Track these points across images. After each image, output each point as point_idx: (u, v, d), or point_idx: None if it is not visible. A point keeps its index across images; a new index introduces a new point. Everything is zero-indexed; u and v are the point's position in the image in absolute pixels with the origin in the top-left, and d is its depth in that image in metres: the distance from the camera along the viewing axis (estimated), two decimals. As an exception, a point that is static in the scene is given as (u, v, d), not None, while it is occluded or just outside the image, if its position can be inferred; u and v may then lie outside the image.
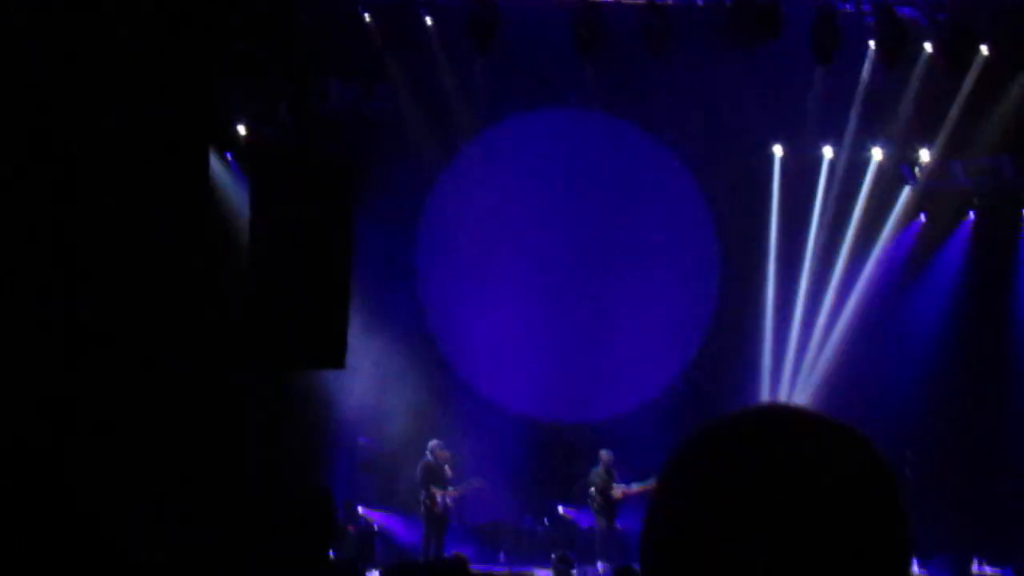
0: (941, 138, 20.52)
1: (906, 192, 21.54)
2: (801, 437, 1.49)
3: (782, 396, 20.69)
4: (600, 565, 18.84)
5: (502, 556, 20.03)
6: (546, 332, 21.73)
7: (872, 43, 18.86)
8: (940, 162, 21.00)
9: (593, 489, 19.45)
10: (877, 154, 21.04)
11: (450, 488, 18.80)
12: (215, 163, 16.51)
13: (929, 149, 20.78)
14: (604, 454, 19.74)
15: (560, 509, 20.59)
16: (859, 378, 21.09)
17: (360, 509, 19.49)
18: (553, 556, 18.80)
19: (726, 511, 1.45)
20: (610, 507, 19.32)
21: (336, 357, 12.52)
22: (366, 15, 18.62)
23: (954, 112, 19.92)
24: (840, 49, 18.36)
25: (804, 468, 1.46)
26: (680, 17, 18.56)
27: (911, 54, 18.89)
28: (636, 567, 1.57)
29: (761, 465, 1.46)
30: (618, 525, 19.47)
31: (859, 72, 19.45)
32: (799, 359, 21.53)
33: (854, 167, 21.10)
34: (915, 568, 18.61)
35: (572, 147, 21.93)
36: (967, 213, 21.84)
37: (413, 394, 21.05)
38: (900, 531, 1.48)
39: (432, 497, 18.54)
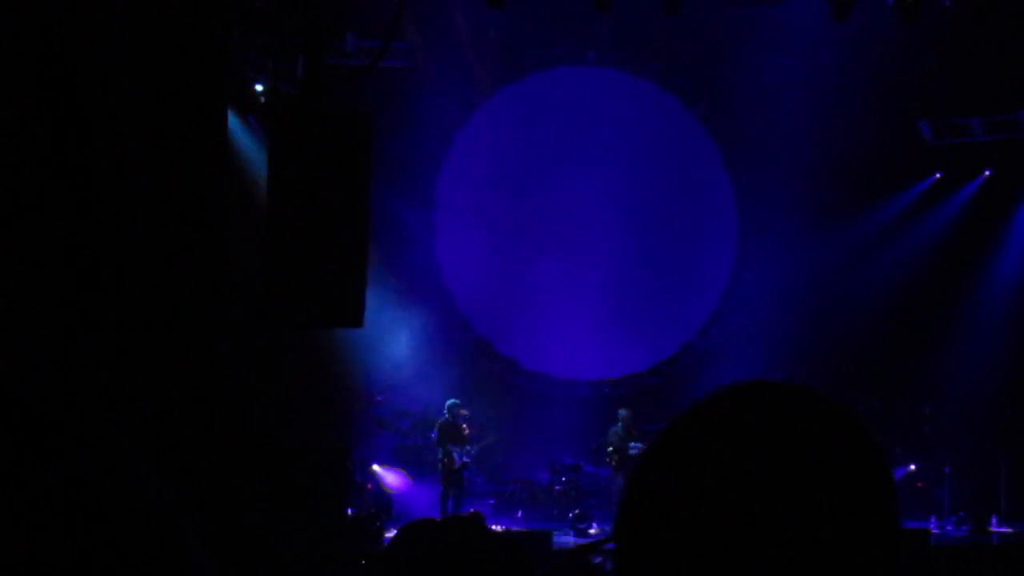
0: (960, 93, 20.43)
1: (924, 148, 21.48)
2: (784, 410, 1.49)
3: (800, 353, 20.60)
4: (618, 523, 18.88)
5: (520, 514, 20.10)
6: (562, 289, 21.74)
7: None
8: (959, 117, 20.93)
9: (611, 447, 19.49)
10: (897, 109, 20.96)
11: (467, 446, 18.85)
12: (234, 123, 16.49)
13: (948, 104, 20.70)
14: (622, 412, 19.77)
15: (579, 466, 20.64)
16: (876, 335, 21.08)
17: (377, 467, 19.55)
18: (571, 514, 18.86)
19: (707, 490, 1.45)
20: (628, 465, 19.35)
21: (354, 315, 12.54)
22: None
23: (973, 67, 19.82)
24: (858, 4, 18.24)
25: (786, 441, 1.46)
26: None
27: (930, 8, 18.73)
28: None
29: (741, 441, 1.46)
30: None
31: (877, 27, 19.31)
32: (815, 318, 21.44)
33: (873, 124, 20.99)
34: (932, 526, 18.66)
35: (589, 104, 21.89)
36: (983, 169, 21.77)
37: (430, 351, 21.08)
38: (887, 502, 1.47)
39: (450, 455, 18.59)
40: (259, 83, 17.71)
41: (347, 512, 17.14)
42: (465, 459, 18.76)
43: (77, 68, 8.16)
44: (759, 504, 1.42)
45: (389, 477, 19.62)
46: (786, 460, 1.43)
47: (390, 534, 16.47)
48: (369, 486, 19.08)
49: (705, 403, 1.54)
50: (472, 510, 17.05)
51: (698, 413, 1.53)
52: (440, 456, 18.74)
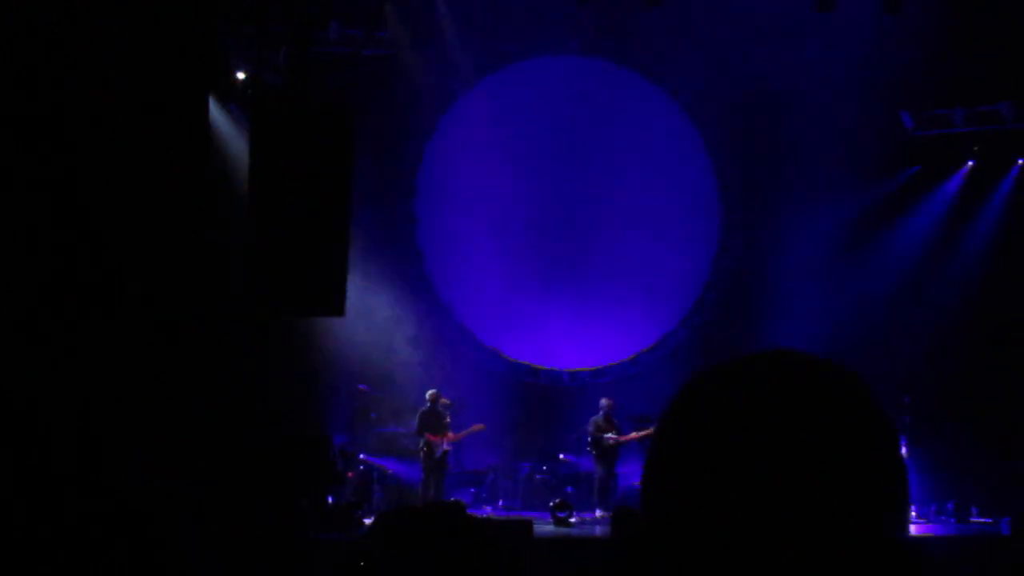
0: (943, 84, 20.46)
1: (906, 139, 21.51)
2: (803, 380, 1.49)
3: (781, 343, 20.66)
4: (598, 511, 18.90)
5: (501, 503, 20.11)
6: (545, 278, 21.75)
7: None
8: (941, 108, 20.96)
9: (592, 437, 19.50)
10: (879, 100, 20.98)
11: (449, 434, 18.84)
12: (216, 112, 16.44)
13: (931, 95, 20.73)
14: (604, 401, 19.77)
15: (560, 455, 20.66)
16: (857, 325, 21.10)
17: (359, 455, 19.53)
18: (551, 503, 18.86)
19: (725, 454, 1.44)
20: (609, 454, 19.36)
21: (335, 303, 12.55)
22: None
23: (956, 58, 19.84)
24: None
25: (805, 411, 1.45)
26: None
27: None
28: (634, 509, 1.56)
29: (761, 408, 1.46)
30: (617, 472, 19.52)
31: (860, 18, 19.32)
32: (796, 308, 21.45)
33: (856, 114, 20.99)
34: (912, 517, 18.70)
35: (572, 94, 21.88)
36: (965, 161, 21.81)
37: (412, 340, 21.07)
38: (897, 477, 1.47)
39: (430, 444, 18.58)
40: (241, 71, 17.64)
41: (328, 500, 17.13)
42: (446, 448, 18.76)
43: (58, 57, 8.13)
44: (770, 475, 1.42)
45: (370, 465, 19.58)
46: (801, 429, 1.43)
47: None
48: (350, 474, 19.06)
49: (727, 368, 1.54)
50: (453, 499, 17.05)
51: (722, 376, 1.53)
52: (421, 444, 18.73)
